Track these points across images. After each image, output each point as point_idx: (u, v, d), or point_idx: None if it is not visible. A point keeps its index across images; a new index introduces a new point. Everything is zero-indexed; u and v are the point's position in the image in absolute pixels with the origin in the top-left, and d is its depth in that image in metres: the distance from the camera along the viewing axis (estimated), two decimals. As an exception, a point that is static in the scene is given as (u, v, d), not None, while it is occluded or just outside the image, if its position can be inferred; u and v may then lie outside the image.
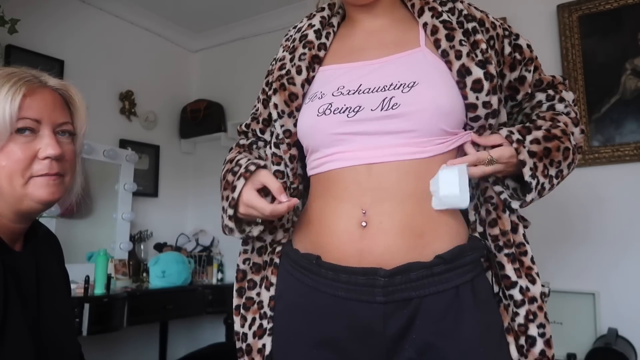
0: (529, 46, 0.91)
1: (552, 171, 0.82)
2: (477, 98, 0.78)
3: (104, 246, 2.55)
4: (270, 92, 0.92)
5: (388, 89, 0.79)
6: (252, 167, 0.84)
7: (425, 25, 0.85)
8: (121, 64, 3.06)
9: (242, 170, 0.85)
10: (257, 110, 1.00)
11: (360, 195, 0.78)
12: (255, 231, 0.89)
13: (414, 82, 0.79)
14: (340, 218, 0.80)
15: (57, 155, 0.84)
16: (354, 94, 0.81)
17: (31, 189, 0.83)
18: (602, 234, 2.08)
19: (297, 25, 0.99)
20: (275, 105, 0.89)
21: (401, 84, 0.79)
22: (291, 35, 0.98)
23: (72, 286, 2.07)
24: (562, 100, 0.91)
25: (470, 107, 0.79)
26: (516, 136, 0.81)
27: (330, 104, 0.82)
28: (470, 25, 0.83)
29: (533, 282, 0.80)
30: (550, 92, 0.93)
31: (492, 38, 0.85)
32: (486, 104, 0.79)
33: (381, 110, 0.78)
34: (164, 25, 3.33)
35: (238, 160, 0.89)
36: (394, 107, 0.78)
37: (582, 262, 2.10)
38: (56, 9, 2.73)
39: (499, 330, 0.78)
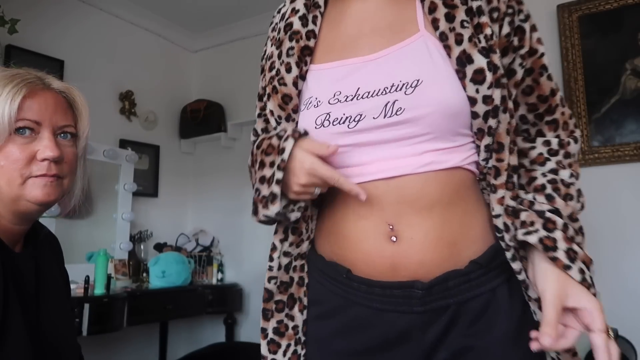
0: (539, 41, 0.76)
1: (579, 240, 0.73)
2: (477, 91, 0.68)
3: (104, 246, 2.55)
4: (265, 98, 0.84)
5: (389, 91, 0.70)
6: (301, 130, 0.74)
7: (423, 1, 0.74)
8: (121, 64, 3.06)
9: (289, 132, 0.74)
10: (261, 112, 0.89)
11: (383, 210, 0.72)
12: (294, 216, 0.77)
13: (418, 81, 0.69)
14: (367, 234, 0.73)
15: (55, 157, 0.84)
16: (352, 99, 0.72)
17: (28, 189, 0.83)
18: (602, 234, 2.07)
19: (280, 10, 0.88)
20: (272, 112, 0.82)
21: (403, 84, 0.70)
22: (276, 24, 0.88)
23: (72, 286, 2.07)
24: (567, 156, 0.77)
25: (469, 101, 0.69)
26: (585, 276, 0.67)
27: (328, 113, 0.74)
28: (475, 4, 0.71)
29: None
30: (555, 141, 0.77)
31: (494, 10, 0.73)
32: (487, 99, 0.68)
33: (384, 117, 0.70)
34: (164, 25, 3.33)
35: (275, 134, 0.78)
36: (397, 113, 0.69)
37: (582, 262, 2.09)
38: (56, 9, 2.73)
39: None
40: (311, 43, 0.80)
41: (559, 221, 0.69)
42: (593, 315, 0.63)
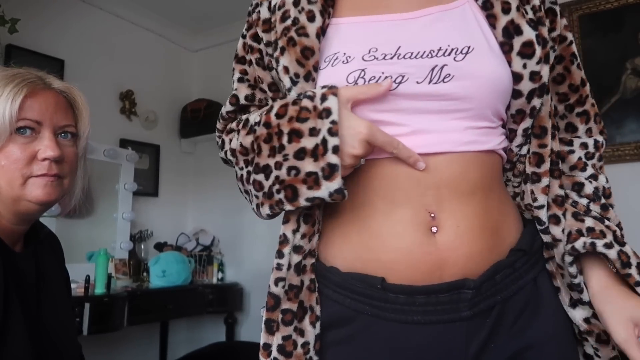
0: (567, 27, 0.71)
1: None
2: (524, 66, 0.62)
3: (104, 246, 2.55)
4: (277, 53, 0.67)
5: (436, 55, 0.61)
6: (329, 84, 0.62)
7: None
8: (121, 64, 3.06)
9: (323, 90, 0.61)
10: (244, 76, 0.74)
11: (421, 195, 0.62)
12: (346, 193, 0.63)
13: (469, 48, 0.61)
14: (404, 226, 0.62)
15: (56, 156, 0.84)
16: (392, 58, 0.62)
17: (28, 189, 0.83)
18: (603, 234, 2.07)
19: None
20: (286, 69, 0.65)
21: (452, 49, 0.61)
22: None
23: (73, 286, 2.07)
24: (600, 158, 0.73)
25: (513, 78, 0.63)
26: None
27: (363, 70, 0.62)
28: None
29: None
30: (591, 143, 0.72)
31: None
32: (534, 75, 0.62)
33: (429, 82, 0.61)
34: (164, 24, 3.33)
35: (299, 96, 0.63)
36: (445, 80, 0.61)
37: (582, 261, 2.09)
38: (56, 9, 2.73)
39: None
40: None
41: (619, 233, 0.66)
42: None
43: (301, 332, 0.65)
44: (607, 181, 0.72)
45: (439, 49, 0.61)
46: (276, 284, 0.65)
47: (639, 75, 2.09)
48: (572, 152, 0.72)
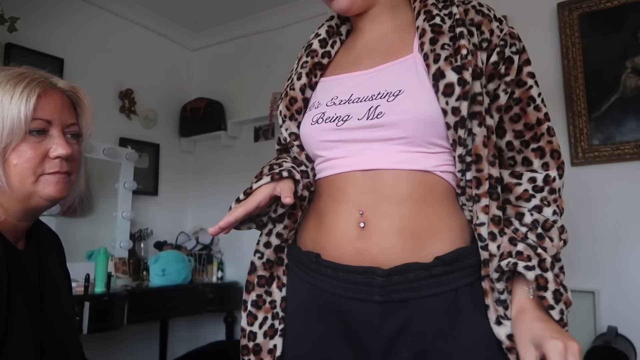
0: (530, 75, 0.82)
1: (561, 279, 0.76)
2: (447, 103, 0.75)
3: (104, 244, 2.55)
4: (279, 101, 0.95)
5: (375, 99, 0.80)
6: (285, 174, 0.85)
7: (418, 28, 0.84)
8: (121, 63, 3.06)
9: (276, 170, 0.86)
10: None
11: (358, 198, 0.80)
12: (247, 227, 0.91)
13: (400, 91, 0.79)
14: (339, 218, 0.81)
15: (68, 155, 0.86)
16: (345, 103, 0.83)
17: (41, 186, 0.85)
18: (602, 232, 2.08)
19: (310, 36, 1.02)
20: (280, 112, 0.93)
21: (387, 93, 0.80)
22: (303, 46, 1.00)
23: (73, 284, 2.07)
24: (552, 192, 0.80)
25: (443, 113, 0.76)
26: (564, 316, 0.73)
27: (324, 113, 0.85)
28: (459, 30, 0.80)
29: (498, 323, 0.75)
30: (541, 177, 0.80)
31: (484, 40, 0.80)
32: (454, 110, 0.75)
33: (367, 119, 0.80)
34: (163, 23, 3.32)
35: (281, 160, 0.90)
36: (378, 116, 0.79)
37: (582, 260, 2.10)
38: (56, 7, 2.73)
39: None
40: (324, 61, 0.93)
41: (549, 261, 0.74)
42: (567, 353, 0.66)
43: (269, 293, 0.90)
44: (556, 214, 0.80)
45: (378, 94, 0.80)
46: (254, 254, 0.91)
47: (639, 74, 2.09)
48: (519, 184, 0.82)
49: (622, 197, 2.07)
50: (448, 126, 0.76)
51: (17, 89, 0.82)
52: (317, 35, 0.97)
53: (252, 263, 0.91)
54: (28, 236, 0.93)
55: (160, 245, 3.03)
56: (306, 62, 0.93)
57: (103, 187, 2.86)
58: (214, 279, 3.03)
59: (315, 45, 0.95)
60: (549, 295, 0.72)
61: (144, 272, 2.83)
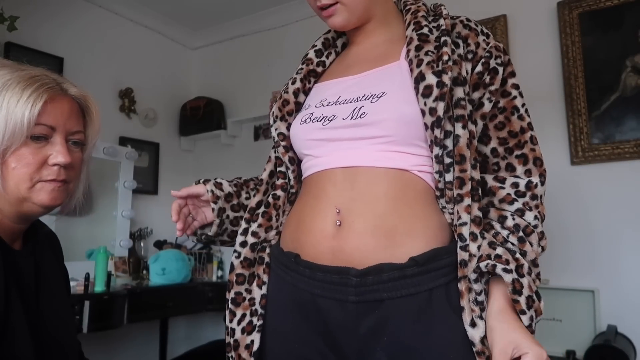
0: (514, 86, 0.85)
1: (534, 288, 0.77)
2: (425, 104, 0.78)
3: (104, 244, 2.55)
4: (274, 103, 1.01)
5: (360, 100, 0.84)
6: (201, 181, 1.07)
7: (406, 38, 0.88)
8: (121, 62, 3.06)
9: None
10: None
11: (336, 196, 0.82)
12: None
13: (383, 93, 0.83)
14: (317, 216, 0.83)
15: (67, 163, 0.85)
16: (332, 105, 0.88)
17: (35, 192, 0.84)
18: (602, 231, 2.08)
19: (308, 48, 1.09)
20: (272, 113, 0.98)
21: (372, 95, 0.84)
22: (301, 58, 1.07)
23: (72, 283, 2.08)
24: (534, 197, 0.82)
25: (422, 114, 0.79)
26: (533, 323, 0.74)
27: (312, 113, 0.90)
28: (443, 39, 0.84)
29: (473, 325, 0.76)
30: (523, 183, 0.82)
31: (470, 52, 0.85)
32: (432, 111, 0.78)
33: (351, 119, 0.83)
34: (163, 22, 3.32)
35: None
36: (362, 116, 0.82)
37: (581, 259, 2.10)
38: (55, 6, 2.73)
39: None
40: (319, 69, 1.00)
41: (526, 266, 0.75)
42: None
43: (249, 291, 0.92)
44: (537, 219, 0.80)
45: (363, 95, 0.85)
46: (232, 254, 0.94)
47: (639, 72, 2.09)
48: (503, 188, 0.83)
49: (622, 196, 2.07)
50: (426, 127, 0.79)
51: (25, 92, 0.81)
52: (314, 46, 1.03)
53: (231, 263, 0.93)
54: (25, 237, 0.92)
55: (160, 244, 3.03)
56: (301, 69, 0.99)
57: (103, 186, 2.86)
58: (214, 278, 3.03)
59: (311, 54, 1.01)
60: (522, 300, 0.73)
61: (144, 271, 2.83)
